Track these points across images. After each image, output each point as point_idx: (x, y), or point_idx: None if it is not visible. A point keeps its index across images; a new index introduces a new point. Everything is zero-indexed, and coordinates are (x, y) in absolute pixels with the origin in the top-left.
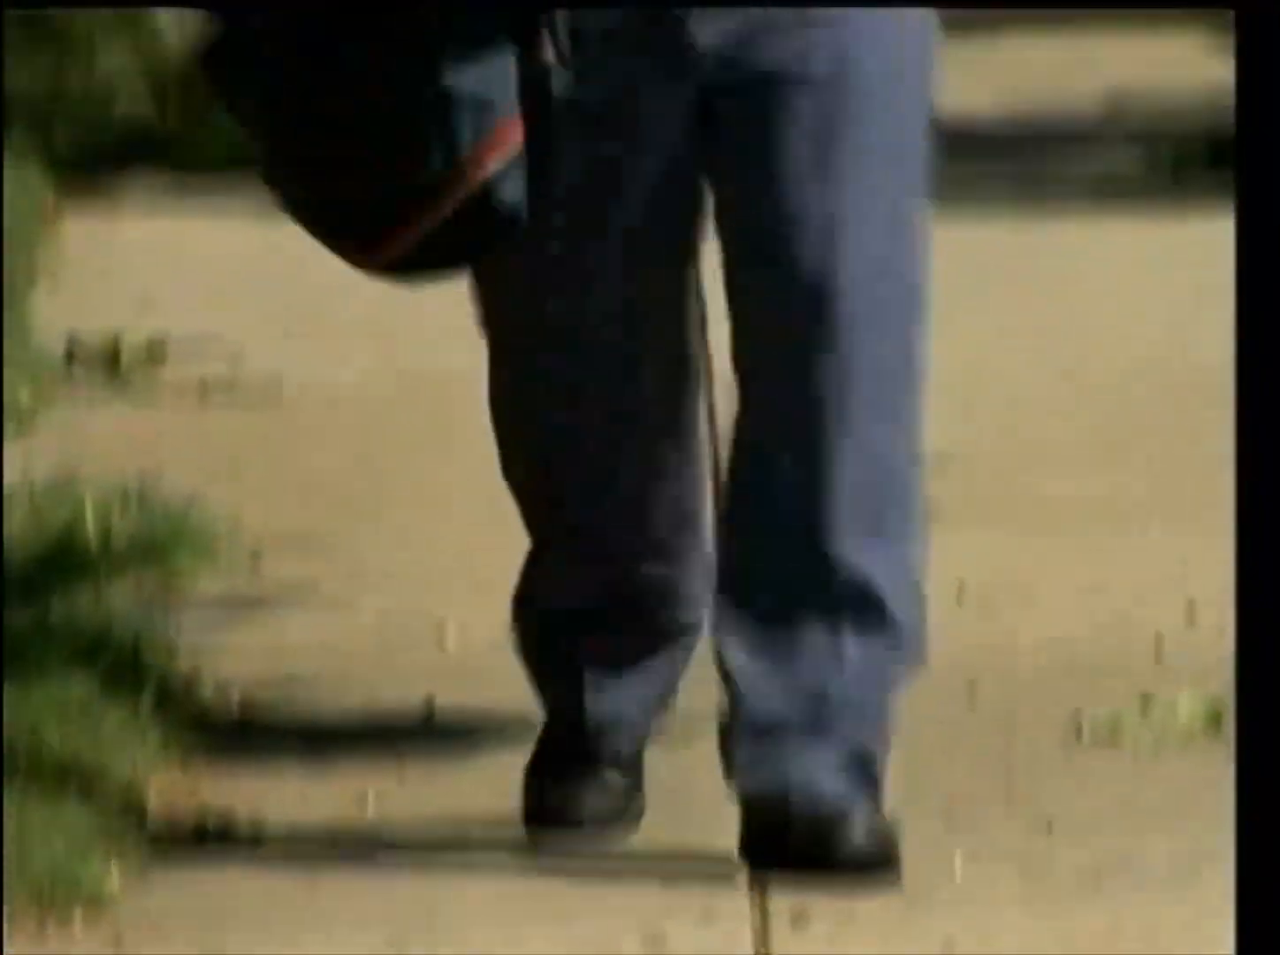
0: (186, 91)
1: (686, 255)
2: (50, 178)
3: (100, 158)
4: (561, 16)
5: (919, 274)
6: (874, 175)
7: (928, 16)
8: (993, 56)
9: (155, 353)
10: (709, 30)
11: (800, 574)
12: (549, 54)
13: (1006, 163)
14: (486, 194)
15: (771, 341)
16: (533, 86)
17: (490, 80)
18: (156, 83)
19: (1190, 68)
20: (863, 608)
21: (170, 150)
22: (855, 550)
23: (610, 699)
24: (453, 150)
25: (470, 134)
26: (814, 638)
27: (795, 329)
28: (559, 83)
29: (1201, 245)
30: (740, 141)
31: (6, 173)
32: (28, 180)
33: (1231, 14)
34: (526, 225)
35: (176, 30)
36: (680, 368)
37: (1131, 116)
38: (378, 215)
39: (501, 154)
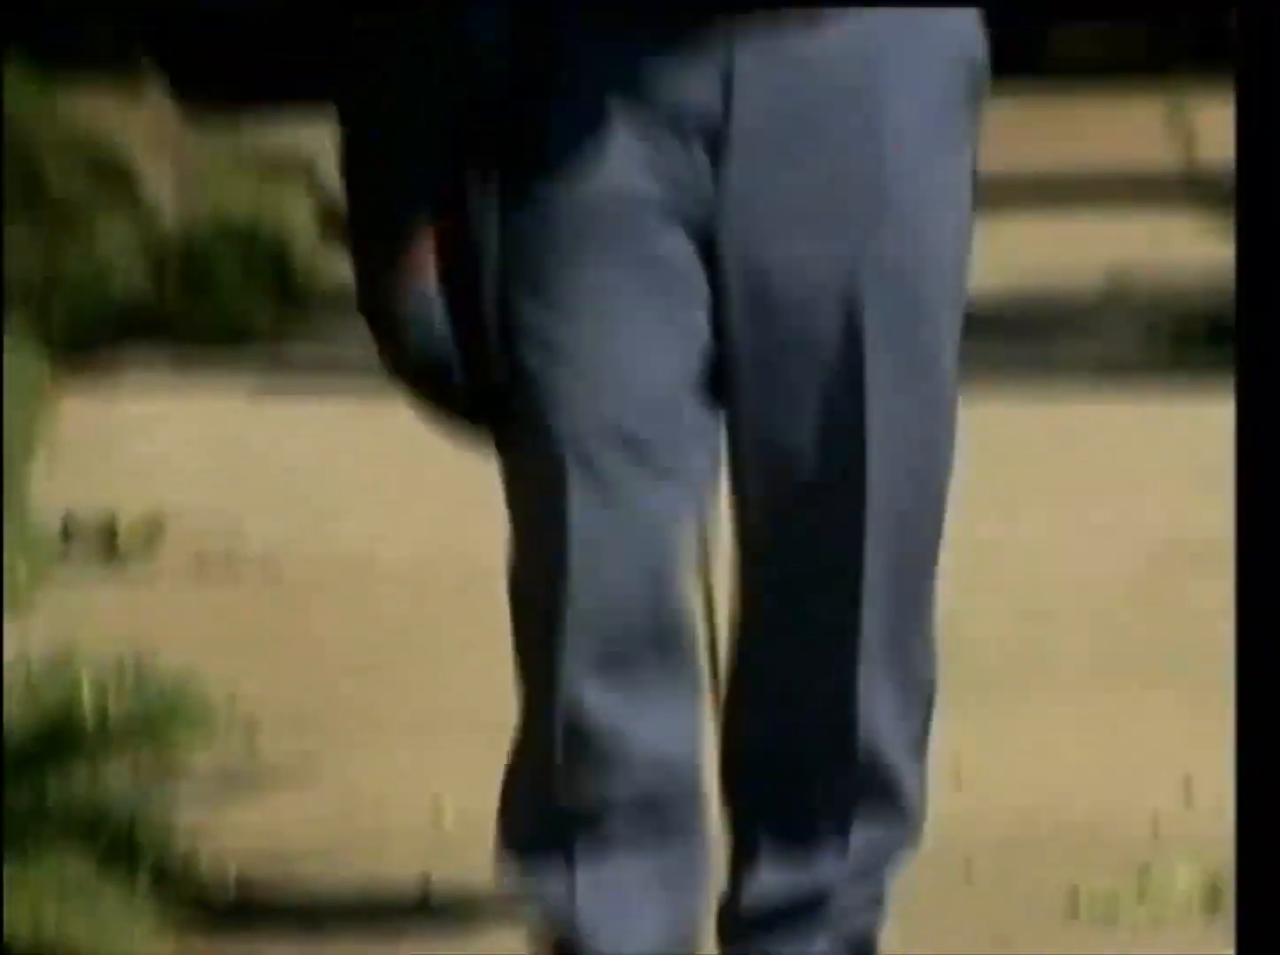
0: (184, 267)
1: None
2: (48, 354)
3: (98, 334)
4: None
5: (949, 471)
6: (912, 375)
7: (967, 205)
8: (993, 234)
9: (153, 529)
10: (745, 176)
11: (821, 759)
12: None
13: (1007, 340)
14: (398, 333)
15: (791, 534)
16: (461, 193)
17: (402, 199)
18: (154, 259)
19: (1189, 246)
20: (879, 795)
21: (167, 326)
22: (879, 735)
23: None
24: (365, 283)
25: (384, 259)
26: (825, 827)
27: (816, 530)
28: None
29: (1203, 423)
30: (761, 336)
31: (5, 349)
32: (25, 357)
33: (1218, 193)
34: (459, 364)
35: (173, 207)
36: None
37: (1132, 295)
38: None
39: (411, 283)
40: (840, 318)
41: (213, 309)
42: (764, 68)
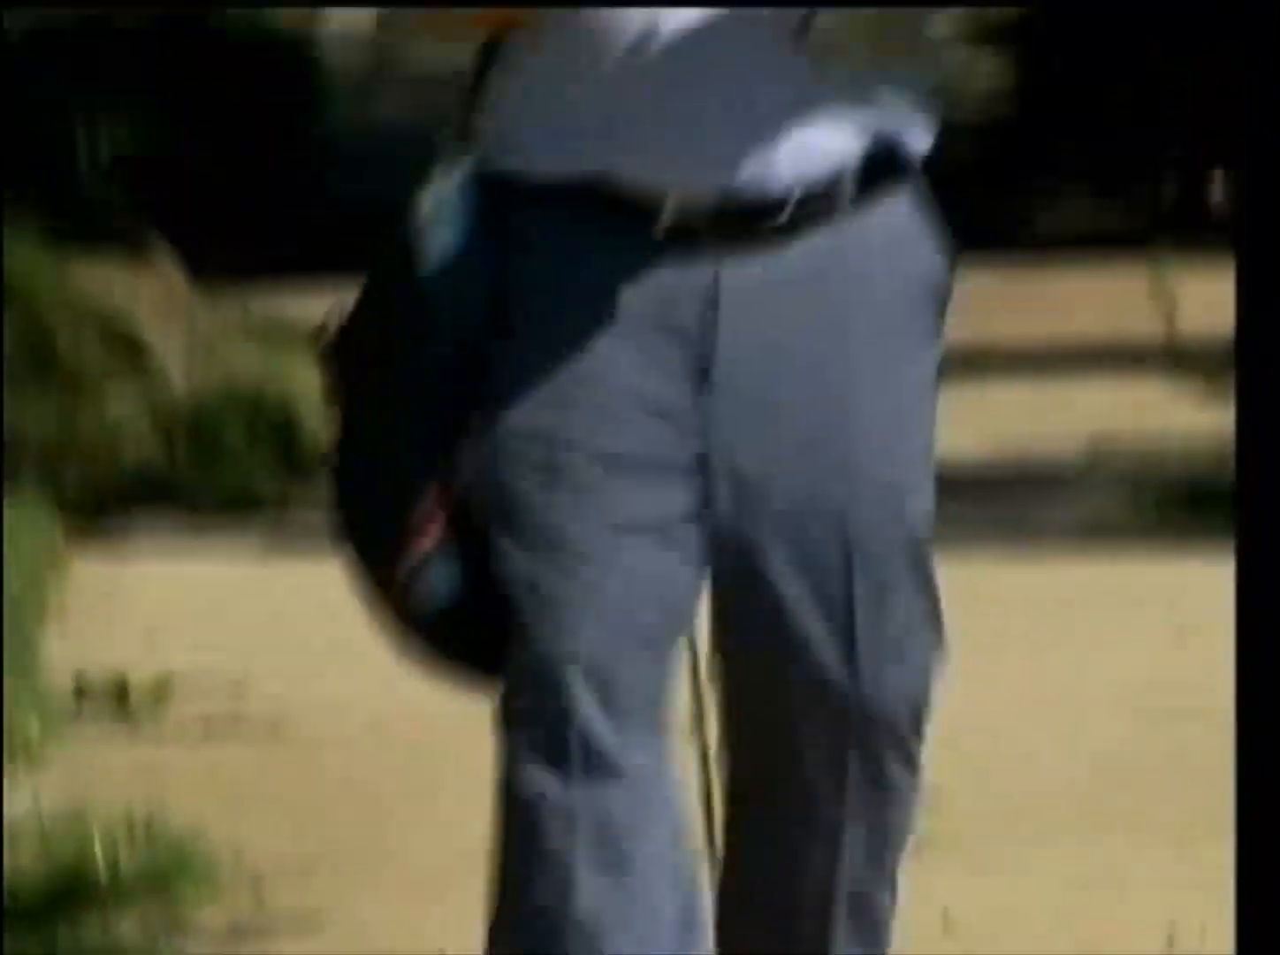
0: (192, 434)
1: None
2: (59, 518)
3: (107, 499)
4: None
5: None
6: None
7: (934, 395)
8: (978, 403)
9: (162, 689)
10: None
11: (810, 920)
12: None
13: (991, 505)
14: (404, 596)
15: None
16: (455, 464)
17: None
18: (163, 426)
19: (1170, 414)
20: (861, 941)
21: (176, 491)
22: (866, 886)
23: None
24: (372, 553)
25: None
26: None
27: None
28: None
29: (1185, 586)
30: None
31: (17, 513)
32: (36, 521)
33: (1199, 363)
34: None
35: (182, 375)
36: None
37: (1114, 459)
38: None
39: (417, 550)
40: (830, 536)
41: (220, 475)
42: (745, 290)
